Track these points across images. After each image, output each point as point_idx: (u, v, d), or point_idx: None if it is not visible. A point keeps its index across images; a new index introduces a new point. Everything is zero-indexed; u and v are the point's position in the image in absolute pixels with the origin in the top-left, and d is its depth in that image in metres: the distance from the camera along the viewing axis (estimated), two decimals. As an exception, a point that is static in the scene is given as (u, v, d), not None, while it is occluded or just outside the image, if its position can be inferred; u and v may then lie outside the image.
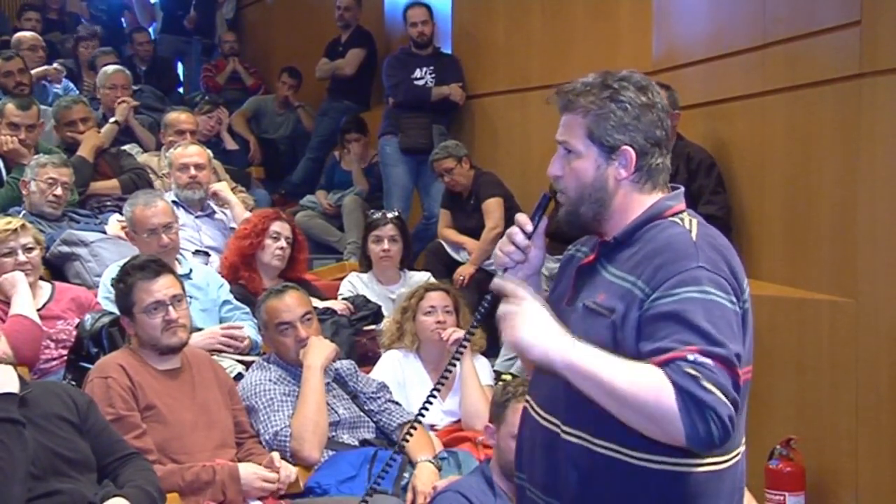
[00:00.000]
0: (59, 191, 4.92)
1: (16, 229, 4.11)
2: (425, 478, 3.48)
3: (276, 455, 3.43)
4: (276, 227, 4.75)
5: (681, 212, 2.02)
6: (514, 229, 2.08)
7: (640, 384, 1.77)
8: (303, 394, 3.64)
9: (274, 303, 3.85)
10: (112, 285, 3.75)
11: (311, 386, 3.65)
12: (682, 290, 1.84)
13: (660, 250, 1.91)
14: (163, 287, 3.43)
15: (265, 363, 3.85)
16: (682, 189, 2.07)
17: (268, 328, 3.87)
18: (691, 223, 1.98)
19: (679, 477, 1.90)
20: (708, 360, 1.77)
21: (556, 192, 2.09)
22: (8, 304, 3.98)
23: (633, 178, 2.00)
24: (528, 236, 2.07)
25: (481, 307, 2.13)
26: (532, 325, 1.84)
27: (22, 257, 4.09)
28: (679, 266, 1.87)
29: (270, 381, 3.73)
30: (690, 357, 1.77)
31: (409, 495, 3.44)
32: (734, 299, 1.88)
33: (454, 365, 2.24)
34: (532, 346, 1.84)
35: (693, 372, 1.76)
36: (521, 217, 2.10)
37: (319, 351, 3.73)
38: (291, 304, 3.83)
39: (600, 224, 2.03)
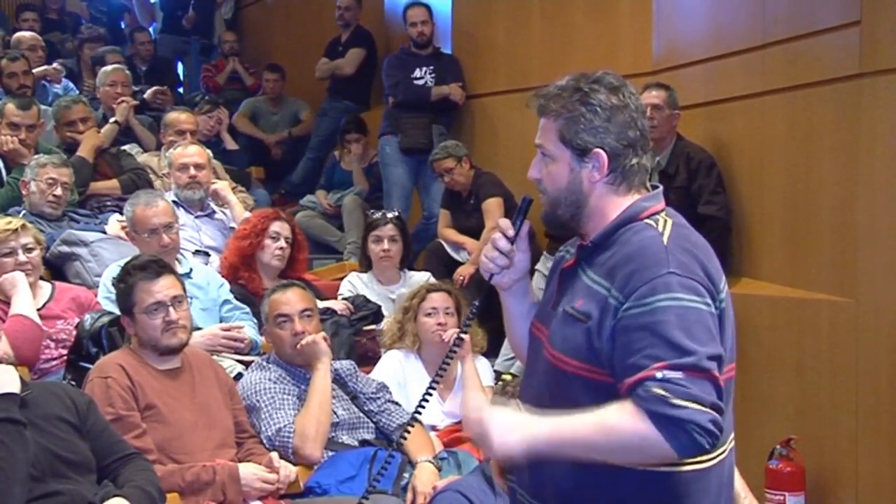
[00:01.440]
0: (58, 191, 4.91)
1: (16, 229, 4.11)
2: (425, 478, 3.48)
3: (274, 455, 3.44)
4: (276, 227, 4.76)
5: (658, 212, 2.01)
6: (496, 234, 2.09)
7: (616, 428, 1.80)
8: (309, 393, 3.66)
9: (276, 296, 3.89)
10: (113, 285, 3.74)
11: (318, 386, 3.67)
12: (653, 298, 1.84)
13: (631, 256, 1.91)
14: (164, 288, 3.43)
15: (265, 363, 3.86)
16: (661, 188, 2.06)
17: (268, 321, 3.88)
18: (665, 225, 1.97)
19: (664, 477, 1.90)
20: (677, 374, 1.78)
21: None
22: (8, 304, 3.98)
23: (608, 181, 2.00)
24: (511, 241, 2.08)
25: (471, 311, 2.13)
26: (502, 435, 1.85)
27: (22, 257, 4.09)
28: (649, 273, 1.86)
29: (270, 380, 3.73)
30: (659, 375, 1.79)
31: (409, 495, 3.45)
32: (709, 301, 1.87)
33: (447, 364, 2.24)
34: (513, 452, 1.86)
35: (661, 392, 1.77)
36: (504, 222, 2.11)
37: (327, 352, 3.75)
38: (293, 298, 3.86)
39: (578, 225, 2.04)
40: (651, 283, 1.85)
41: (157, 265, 3.49)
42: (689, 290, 1.85)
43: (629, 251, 1.92)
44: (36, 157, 5.07)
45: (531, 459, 1.89)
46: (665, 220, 1.99)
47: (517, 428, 1.85)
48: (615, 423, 1.80)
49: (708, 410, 1.78)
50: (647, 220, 1.98)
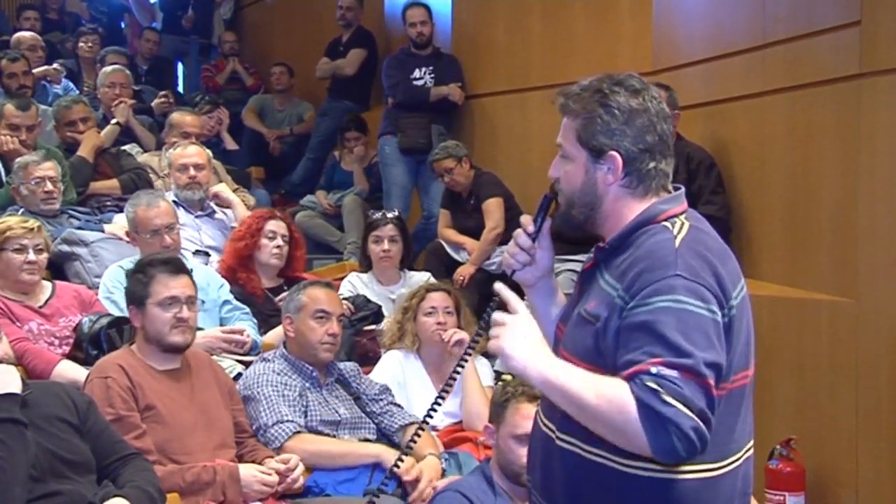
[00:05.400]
0: (49, 186, 4.88)
1: (32, 228, 4.13)
2: (432, 467, 3.52)
3: (284, 457, 3.44)
4: (272, 226, 4.75)
5: (677, 214, 1.99)
6: (518, 231, 2.10)
7: (607, 398, 1.79)
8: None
9: (319, 292, 3.89)
10: (128, 275, 3.71)
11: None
12: (656, 299, 1.83)
13: (642, 258, 1.91)
14: (181, 285, 3.46)
15: (270, 356, 3.85)
16: (682, 190, 2.05)
17: (301, 311, 3.84)
18: (682, 227, 1.95)
19: (668, 484, 1.89)
20: (672, 373, 1.76)
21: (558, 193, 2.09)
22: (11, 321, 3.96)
23: (623, 184, 1.99)
24: (532, 237, 2.08)
25: (487, 311, 2.12)
26: (517, 338, 1.86)
27: (32, 256, 4.09)
28: (656, 275, 1.86)
29: (274, 371, 3.73)
30: (654, 370, 1.77)
31: (414, 472, 3.45)
32: (714, 308, 1.85)
33: (458, 372, 2.23)
34: (512, 359, 1.87)
35: (654, 385, 1.76)
36: (525, 218, 2.12)
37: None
38: (334, 300, 3.93)
39: (594, 227, 2.04)
40: (656, 284, 1.84)
41: (178, 263, 3.56)
42: (693, 294, 1.83)
43: (640, 253, 1.92)
44: (17, 160, 5.02)
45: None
46: (682, 223, 1.97)
47: (526, 347, 1.86)
48: (609, 393, 1.79)
49: (693, 416, 1.75)
50: (664, 223, 1.97)
